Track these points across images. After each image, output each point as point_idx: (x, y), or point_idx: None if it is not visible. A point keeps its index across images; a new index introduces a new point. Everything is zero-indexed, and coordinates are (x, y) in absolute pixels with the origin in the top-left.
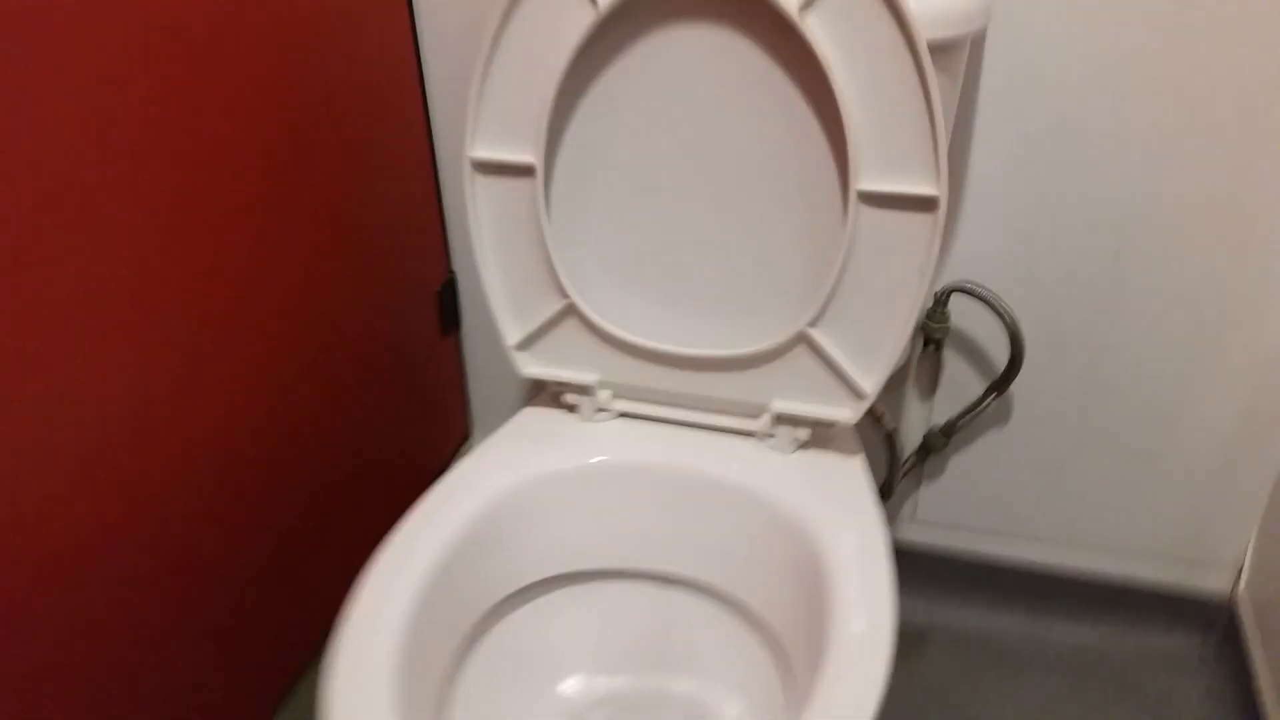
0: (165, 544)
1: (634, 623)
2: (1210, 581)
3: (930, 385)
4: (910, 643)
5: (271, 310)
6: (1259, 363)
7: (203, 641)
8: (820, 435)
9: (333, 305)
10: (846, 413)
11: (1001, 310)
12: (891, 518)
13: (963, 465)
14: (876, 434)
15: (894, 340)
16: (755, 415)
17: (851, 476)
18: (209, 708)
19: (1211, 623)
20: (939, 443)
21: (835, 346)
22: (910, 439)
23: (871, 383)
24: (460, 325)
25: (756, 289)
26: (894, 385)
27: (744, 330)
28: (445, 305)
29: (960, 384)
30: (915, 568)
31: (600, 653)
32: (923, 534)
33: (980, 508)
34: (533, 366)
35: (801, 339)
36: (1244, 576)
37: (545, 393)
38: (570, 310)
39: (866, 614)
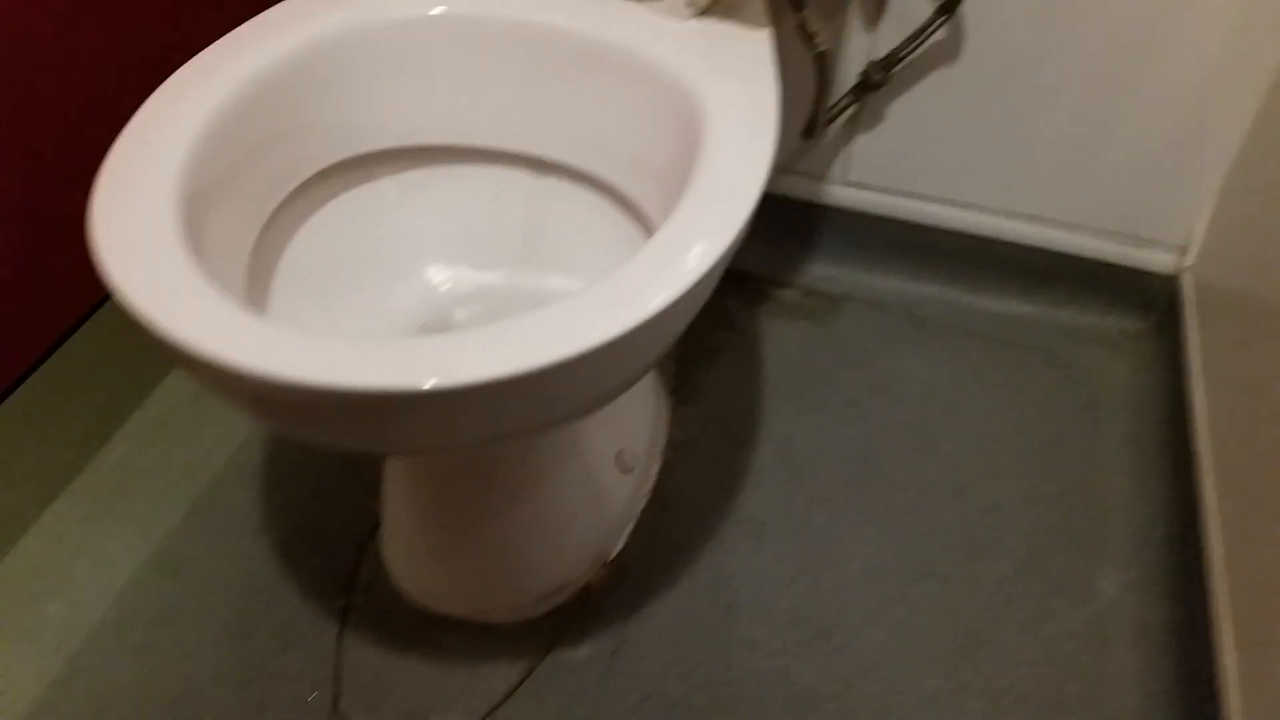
0: None
1: (506, 212)
2: (1154, 262)
3: (877, 7)
4: (825, 306)
5: None
6: (1239, 14)
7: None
8: (723, 4)
9: None
10: None
11: None
12: (820, 178)
13: (901, 118)
14: (808, 57)
15: None
16: None
17: (753, 49)
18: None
19: (1150, 303)
20: (878, 78)
21: None
22: (849, 80)
23: None
24: None
25: None
26: (836, 6)
27: None
28: None
29: (909, 19)
30: (841, 233)
31: (469, 243)
32: (852, 198)
33: (916, 169)
34: None
35: None
36: (1191, 257)
37: None
38: None
39: (736, 179)
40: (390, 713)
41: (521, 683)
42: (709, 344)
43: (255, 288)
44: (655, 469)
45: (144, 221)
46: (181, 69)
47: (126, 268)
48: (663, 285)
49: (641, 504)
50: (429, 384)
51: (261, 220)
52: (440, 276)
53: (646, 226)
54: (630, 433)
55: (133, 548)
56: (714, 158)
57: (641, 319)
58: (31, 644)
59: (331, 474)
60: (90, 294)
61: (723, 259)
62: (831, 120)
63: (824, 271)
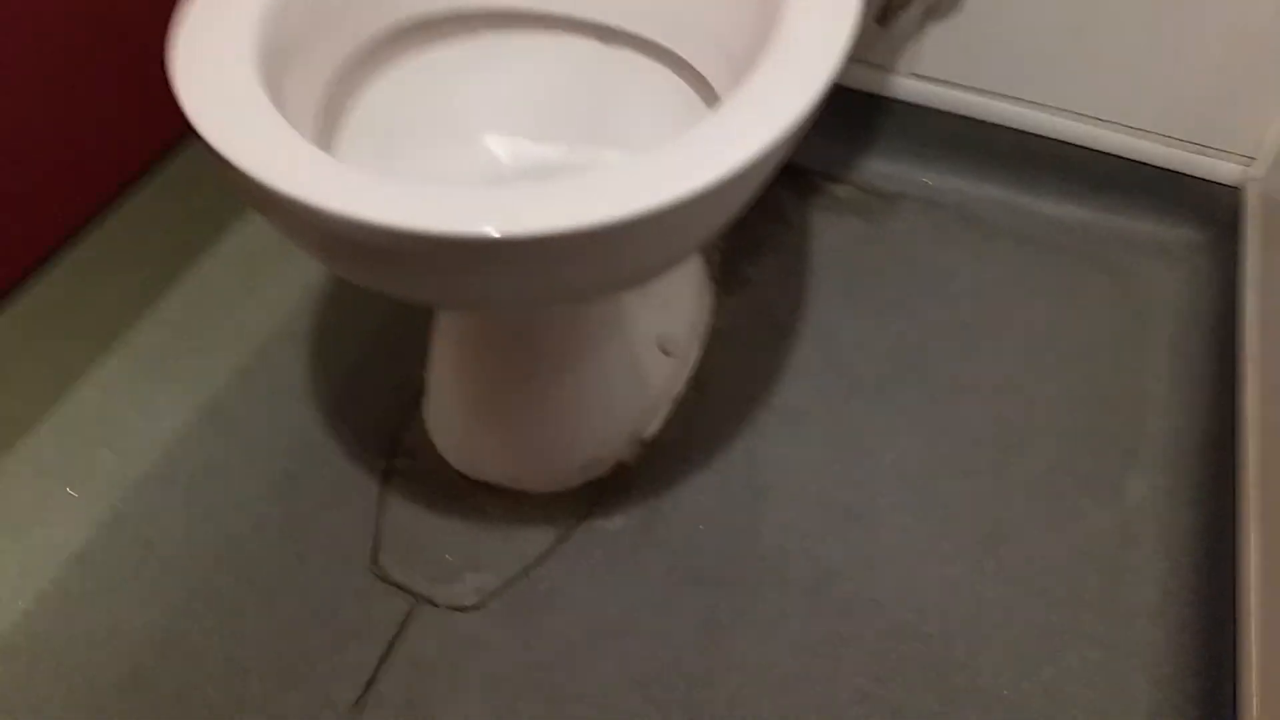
0: None
1: (572, 84)
2: (1219, 171)
3: None
4: (879, 203)
5: None
6: None
7: None
8: None
9: None
10: None
11: None
12: (885, 69)
13: (976, 8)
14: None
15: None
16: None
17: None
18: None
19: (1210, 214)
20: None
21: None
22: None
23: None
24: None
25: None
26: None
27: None
28: None
29: None
30: (901, 128)
31: (532, 114)
32: (916, 91)
33: (986, 64)
34: None
35: None
36: (1257, 168)
37: None
38: None
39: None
40: (426, 568)
41: (555, 547)
42: (757, 235)
43: (322, 144)
44: (695, 355)
45: (224, 72)
46: None
47: (210, 112)
48: (721, 158)
49: (680, 387)
50: (493, 232)
51: (331, 79)
52: (501, 147)
53: (714, 104)
54: (673, 317)
55: (181, 404)
56: (789, 36)
57: (701, 188)
58: (82, 488)
59: (378, 342)
60: (141, 155)
61: (783, 140)
62: (907, 5)
63: (881, 168)
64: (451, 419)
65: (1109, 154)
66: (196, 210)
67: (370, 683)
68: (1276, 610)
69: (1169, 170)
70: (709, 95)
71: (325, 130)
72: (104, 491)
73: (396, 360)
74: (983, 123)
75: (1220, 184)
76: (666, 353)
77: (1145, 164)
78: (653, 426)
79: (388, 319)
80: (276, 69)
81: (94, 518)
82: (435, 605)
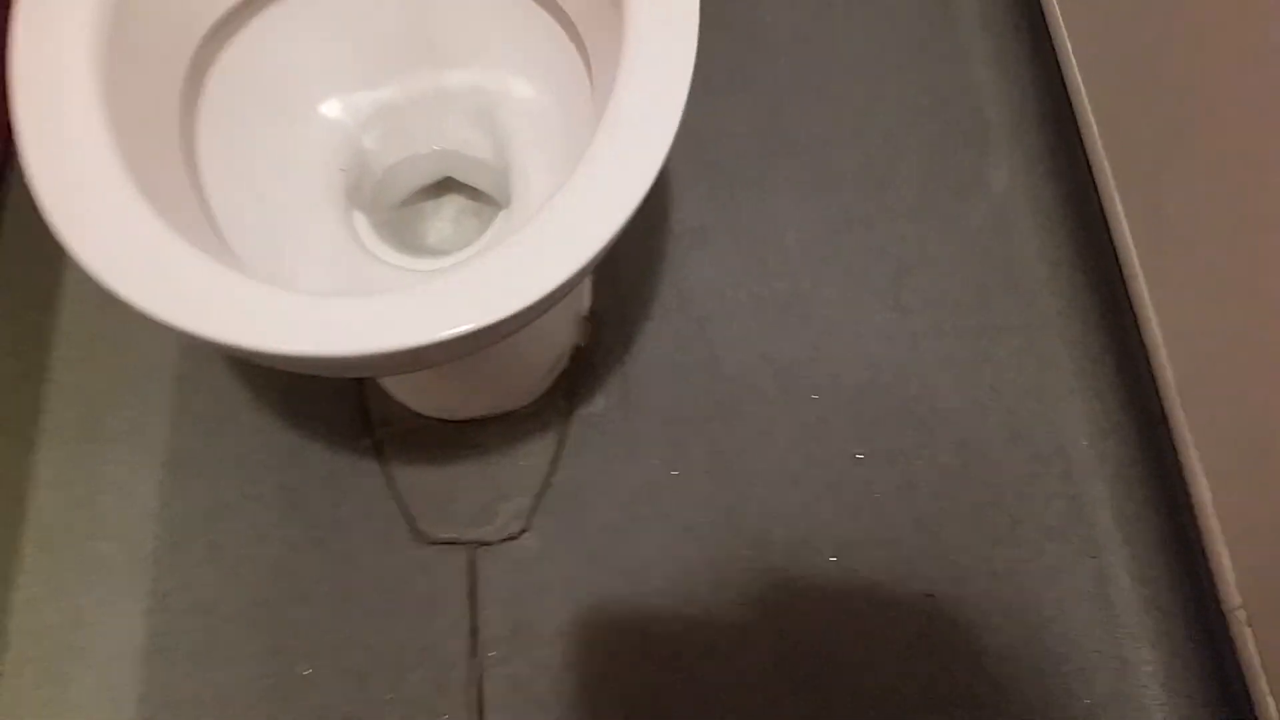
0: None
1: (385, 22)
2: None
3: None
4: None
5: None
6: None
7: None
8: None
9: None
10: None
11: None
12: None
13: None
14: None
15: None
16: None
17: None
18: None
19: None
20: None
21: None
22: None
23: None
24: None
25: None
26: None
27: None
28: None
29: None
30: None
31: (354, 60)
32: None
33: None
34: None
35: None
36: None
37: None
38: None
39: None
40: (462, 516)
41: (561, 450)
42: None
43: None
44: None
45: (82, 159)
46: None
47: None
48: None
49: None
50: (353, 349)
51: (179, 75)
52: (335, 109)
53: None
54: None
55: (142, 465)
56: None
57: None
58: (105, 586)
59: None
60: None
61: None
62: None
63: None
64: (411, 383)
65: None
66: (36, 254)
67: (474, 631)
68: (1153, 245)
69: None
70: None
71: (185, 126)
72: (127, 582)
73: None
74: None
75: None
76: None
77: None
78: (586, 300)
79: None
80: (121, 110)
81: (133, 608)
82: (489, 544)
